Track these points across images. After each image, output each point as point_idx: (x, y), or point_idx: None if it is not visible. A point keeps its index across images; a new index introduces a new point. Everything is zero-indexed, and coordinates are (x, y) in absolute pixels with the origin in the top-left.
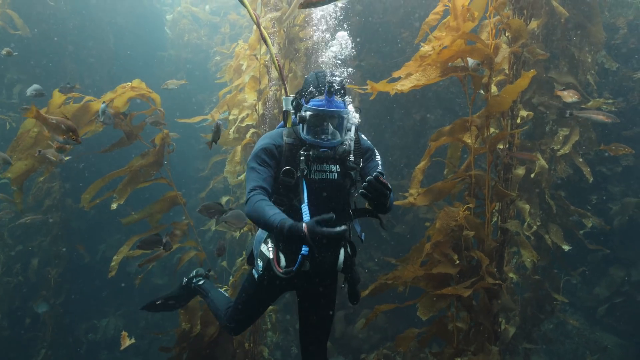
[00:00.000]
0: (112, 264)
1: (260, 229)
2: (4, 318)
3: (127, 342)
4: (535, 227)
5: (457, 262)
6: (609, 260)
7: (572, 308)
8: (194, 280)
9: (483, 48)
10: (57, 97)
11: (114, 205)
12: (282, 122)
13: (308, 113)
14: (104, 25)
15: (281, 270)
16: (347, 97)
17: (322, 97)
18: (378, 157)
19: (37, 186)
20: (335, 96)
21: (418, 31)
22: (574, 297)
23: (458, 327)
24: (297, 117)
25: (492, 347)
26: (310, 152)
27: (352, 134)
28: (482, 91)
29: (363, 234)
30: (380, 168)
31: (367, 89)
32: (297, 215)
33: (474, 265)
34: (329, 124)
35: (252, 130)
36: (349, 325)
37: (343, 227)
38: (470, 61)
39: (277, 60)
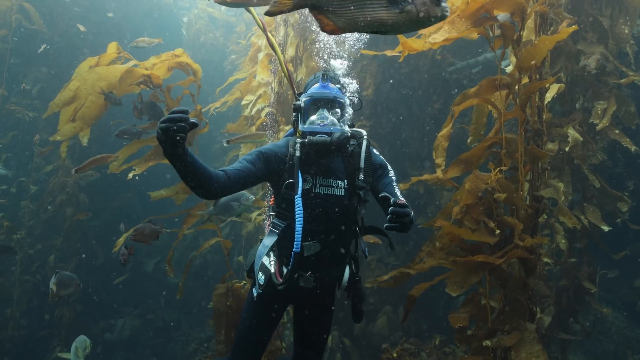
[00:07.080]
0: (120, 239)
1: (262, 244)
2: (22, 317)
3: None
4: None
5: (497, 231)
6: None
7: (610, 305)
8: None
9: None
10: (112, 49)
11: (131, 175)
12: (291, 129)
13: (304, 99)
14: (121, 28)
15: (281, 280)
16: (345, 91)
17: (317, 85)
18: (392, 173)
19: (53, 181)
20: (331, 83)
21: None
22: (611, 293)
23: (491, 306)
24: (295, 110)
25: (528, 324)
26: (306, 140)
27: (363, 148)
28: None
29: (366, 248)
30: (394, 184)
31: (383, 54)
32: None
33: (507, 236)
34: (325, 109)
35: (267, 109)
36: (369, 323)
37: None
38: (500, 15)
39: (285, 65)
